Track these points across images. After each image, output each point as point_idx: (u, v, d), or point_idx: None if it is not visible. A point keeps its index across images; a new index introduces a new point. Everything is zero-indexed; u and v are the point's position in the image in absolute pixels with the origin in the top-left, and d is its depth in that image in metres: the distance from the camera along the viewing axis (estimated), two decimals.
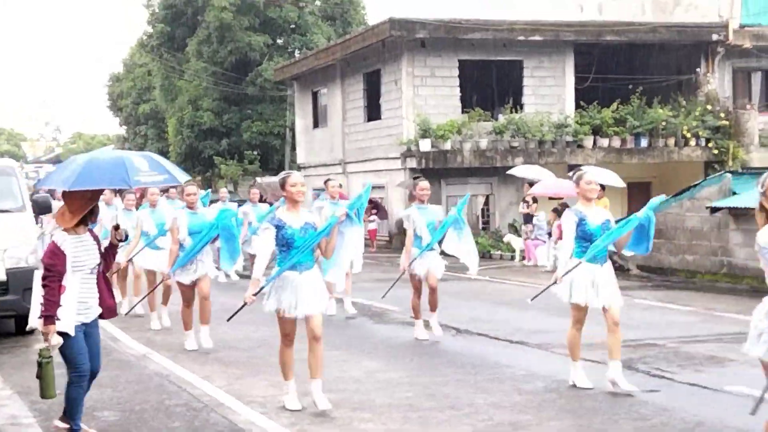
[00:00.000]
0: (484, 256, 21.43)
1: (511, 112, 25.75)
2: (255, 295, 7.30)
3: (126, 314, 12.77)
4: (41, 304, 6.34)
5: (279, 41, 42.06)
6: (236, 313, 7.74)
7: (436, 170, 24.91)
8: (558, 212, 20.14)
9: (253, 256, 15.77)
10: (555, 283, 8.14)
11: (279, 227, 7.27)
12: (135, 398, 8.09)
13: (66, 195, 6.54)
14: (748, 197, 15.69)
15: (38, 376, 6.46)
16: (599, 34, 26.65)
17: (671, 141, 26.63)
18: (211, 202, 15.97)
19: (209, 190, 16.83)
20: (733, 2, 28.12)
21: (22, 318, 11.54)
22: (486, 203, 26.55)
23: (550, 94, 26.55)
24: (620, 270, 18.91)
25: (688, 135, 26.62)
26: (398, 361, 9.80)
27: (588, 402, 7.75)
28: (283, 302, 7.30)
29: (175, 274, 10.32)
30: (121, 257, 11.28)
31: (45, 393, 6.51)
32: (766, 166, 22.05)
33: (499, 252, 22.94)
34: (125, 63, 56.59)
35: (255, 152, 41.05)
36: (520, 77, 26.58)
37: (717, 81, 27.95)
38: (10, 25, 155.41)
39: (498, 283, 17.64)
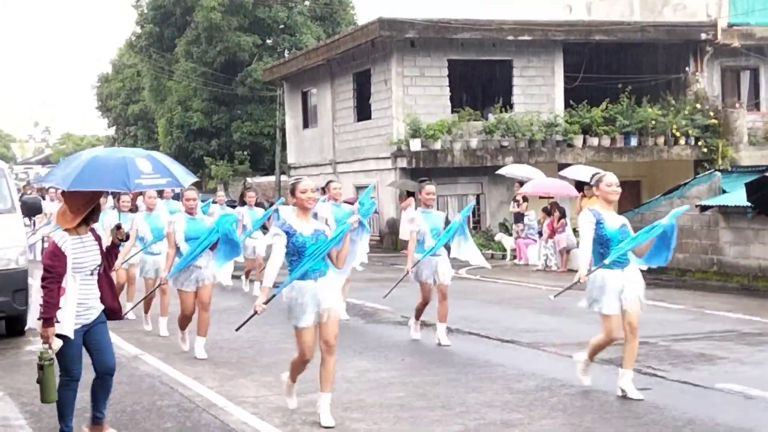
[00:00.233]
0: None
1: (501, 112, 25.80)
2: (266, 303, 6.96)
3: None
4: (40, 305, 6.21)
5: (268, 41, 42.03)
6: (246, 322, 7.43)
7: (427, 170, 24.91)
8: (548, 211, 20.22)
9: (249, 260, 15.58)
10: (578, 282, 7.71)
11: (289, 234, 6.94)
12: (126, 399, 8.07)
13: (66, 194, 6.42)
14: (737, 195, 15.75)
15: (38, 381, 6.29)
16: (588, 33, 26.73)
17: (661, 140, 26.72)
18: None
19: (211, 200, 16.35)
20: (722, 2, 28.23)
21: (13, 319, 11.53)
22: (477, 203, 26.58)
23: (539, 93, 26.62)
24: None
25: (678, 134, 26.72)
26: (389, 360, 9.79)
27: (579, 400, 7.77)
28: (297, 314, 6.99)
29: (173, 281, 10.01)
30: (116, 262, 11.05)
31: (45, 397, 6.34)
32: (756, 164, 22.14)
33: (490, 251, 22.98)
34: (114, 64, 56.48)
35: (245, 152, 41.01)
36: (510, 77, 26.63)
37: (706, 80, 28.07)
38: (2, 25, 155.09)
39: (489, 282, 17.66)
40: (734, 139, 27.17)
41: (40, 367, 6.23)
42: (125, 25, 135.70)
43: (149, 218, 11.93)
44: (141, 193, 12.98)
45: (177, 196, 16.68)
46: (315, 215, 11.18)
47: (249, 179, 37.97)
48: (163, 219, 11.60)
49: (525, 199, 21.50)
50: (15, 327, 11.69)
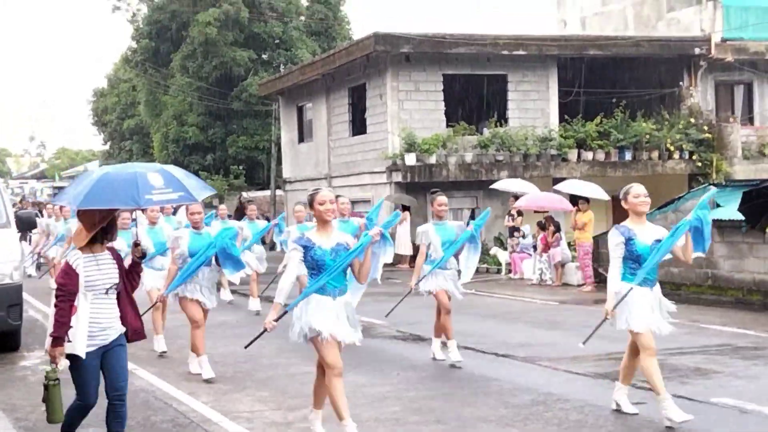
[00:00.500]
0: None
1: (496, 126, 25.84)
2: (276, 320, 6.65)
3: None
4: (52, 324, 6.09)
5: (264, 56, 42.08)
6: (255, 339, 7.15)
7: (422, 184, 24.95)
8: (542, 226, 20.24)
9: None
10: (606, 319, 7.44)
11: (307, 248, 6.62)
12: None
13: (80, 213, 6.29)
14: (732, 210, 15.78)
15: (44, 400, 6.19)
16: (582, 48, 26.82)
17: (655, 154, 26.78)
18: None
19: (213, 211, 16.22)
20: (715, 16, 28.36)
21: (7, 335, 11.50)
22: (472, 217, 26.57)
23: (534, 108, 26.69)
24: (606, 282, 18.99)
25: (672, 148, 26.78)
26: (385, 375, 9.78)
27: (574, 414, 7.76)
28: (323, 325, 6.61)
29: (172, 297, 9.70)
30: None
31: (51, 417, 6.21)
32: (750, 178, 22.19)
33: (485, 265, 22.98)
34: (109, 78, 56.53)
35: (240, 167, 41.01)
36: (505, 91, 26.70)
37: (700, 94, 28.17)
38: None
39: (485, 296, 17.66)
40: (728, 154, 27.25)
41: (45, 387, 6.13)
42: (121, 39, 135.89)
43: (152, 232, 11.58)
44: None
45: (176, 212, 16.65)
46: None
47: (244, 194, 37.96)
48: (166, 233, 11.37)
49: (520, 213, 21.53)
50: (9, 343, 11.67)
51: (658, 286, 7.48)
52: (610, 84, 28.01)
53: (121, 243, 9.50)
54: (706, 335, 12.12)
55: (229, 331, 13.07)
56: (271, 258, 17.10)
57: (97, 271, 6.17)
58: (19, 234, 13.00)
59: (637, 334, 7.37)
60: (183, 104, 41.54)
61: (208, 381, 9.48)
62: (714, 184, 18.23)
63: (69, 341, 6.06)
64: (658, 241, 7.38)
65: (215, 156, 41.21)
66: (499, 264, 22.51)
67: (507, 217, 22.33)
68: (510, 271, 21.82)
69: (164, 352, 11.26)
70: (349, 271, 6.83)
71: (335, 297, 6.68)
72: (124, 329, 6.34)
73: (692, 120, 27.25)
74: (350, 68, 27.43)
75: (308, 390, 8.88)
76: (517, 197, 21.21)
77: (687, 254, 7.42)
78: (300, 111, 32.93)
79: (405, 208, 23.96)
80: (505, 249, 22.70)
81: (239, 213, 27.29)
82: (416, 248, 11.28)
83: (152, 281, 11.36)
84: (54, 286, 20.50)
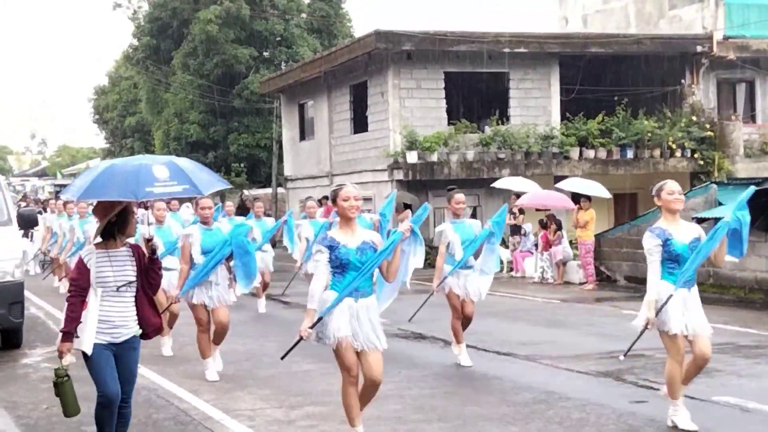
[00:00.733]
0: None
1: (498, 124, 25.82)
2: (312, 327, 6.32)
3: None
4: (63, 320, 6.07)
5: (265, 54, 42.08)
6: (291, 349, 6.78)
7: (423, 182, 24.94)
8: (544, 224, 20.23)
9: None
10: (647, 327, 7.09)
11: (332, 248, 6.33)
12: None
13: (94, 207, 6.22)
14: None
15: (57, 395, 6.14)
16: (584, 46, 26.79)
17: (657, 152, 26.75)
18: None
19: (220, 204, 15.99)
20: (717, 14, 28.34)
21: (9, 332, 11.51)
22: (473, 215, 26.56)
23: (535, 105, 26.66)
24: (607, 281, 19.01)
25: (674, 146, 26.75)
26: (386, 373, 9.72)
27: (576, 413, 7.76)
28: (342, 330, 6.31)
29: (184, 298, 9.36)
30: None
31: (66, 411, 6.14)
32: (752, 176, 22.18)
33: None
34: (110, 76, 56.54)
35: (242, 165, 41.01)
36: (506, 89, 26.67)
37: (702, 92, 28.12)
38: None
39: (486, 294, 17.60)
40: (730, 152, 27.21)
41: (55, 384, 6.07)
42: (122, 37, 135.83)
43: (160, 231, 10.96)
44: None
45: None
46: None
47: (246, 191, 37.96)
48: (174, 232, 11.04)
49: (521, 211, 21.52)
50: (11, 340, 11.68)
51: (695, 288, 7.18)
52: (612, 82, 27.97)
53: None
54: None
55: (230, 330, 13.05)
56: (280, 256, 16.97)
57: (109, 268, 6.05)
58: (22, 231, 13.00)
59: (669, 337, 7.10)
60: (184, 102, 41.53)
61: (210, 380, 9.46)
62: (716, 183, 18.22)
63: (77, 337, 6.02)
64: (696, 239, 7.09)
65: (216, 154, 41.22)
66: (501, 262, 22.49)
67: (508, 215, 22.30)
68: (512, 270, 21.81)
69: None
70: (376, 272, 6.56)
71: (357, 299, 6.37)
72: (140, 331, 6.21)
73: (694, 118, 27.21)
74: (351, 66, 27.42)
75: (310, 387, 8.92)
76: (518, 196, 21.20)
77: (719, 258, 7.17)
78: (301, 109, 32.92)
79: (406, 207, 23.91)
80: (507, 247, 22.69)
81: (240, 210, 27.24)
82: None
83: (164, 282, 10.98)
84: (56, 284, 20.56)
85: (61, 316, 6.14)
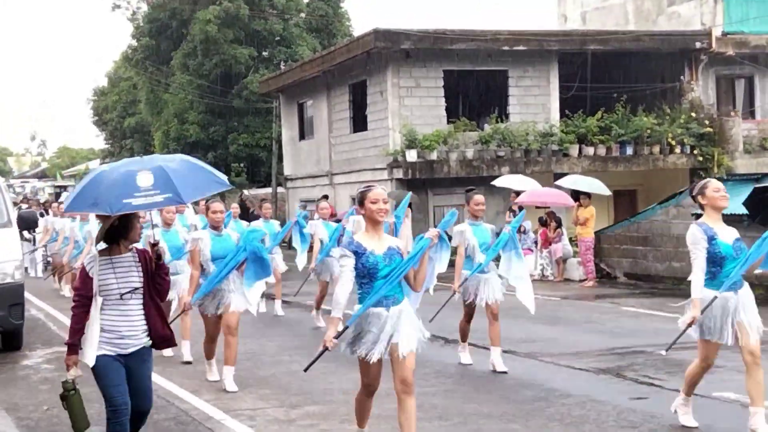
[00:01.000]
0: None
1: (497, 122, 25.82)
2: (337, 337, 5.95)
3: None
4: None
5: (264, 53, 42.09)
6: (315, 360, 6.33)
7: (423, 181, 24.95)
8: (543, 222, 20.23)
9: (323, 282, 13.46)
10: (691, 324, 6.79)
11: (358, 254, 5.95)
12: None
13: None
14: (733, 204, 15.74)
15: (65, 408, 5.90)
16: (583, 43, 26.79)
17: (656, 149, 26.75)
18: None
19: (230, 211, 15.65)
20: (716, 10, 28.34)
21: (9, 334, 11.51)
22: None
23: (535, 103, 26.66)
24: (607, 278, 19.01)
25: (673, 142, 26.75)
26: (386, 371, 9.75)
27: (576, 410, 7.76)
28: (365, 344, 6.02)
29: (197, 306, 8.94)
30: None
31: (75, 426, 5.89)
32: (751, 172, 22.17)
33: None
34: (110, 77, 56.54)
35: (241, 165, 41.03)
36: (506, 87, 26.67)
37: (701, 88, 28.12)
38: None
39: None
40: (730, 148, 27.22)
41: (62, 397, 5.85)
42: (121, 38, 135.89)
43: (167, 235, 10.57)
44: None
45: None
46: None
47: (245, 191, 37.97)
48: (182, 236, 10.69)
49: (521, 208, 21.48)
50: (11, 341, 11.68)
51: (745, 289, 6.90)
52: (611, 79, 27.97)
53: None
54: None
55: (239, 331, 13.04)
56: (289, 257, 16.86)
57: (112, 275, 5.80)
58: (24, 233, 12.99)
59: (705, 343, 6.89)
60: (184, 102, 41.55)
61: (211, 381, 9.46)
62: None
63: (81, 348, 5.81)
64: (738, 239, 6.88)
65: (216, 154, 41.23)
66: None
67: (508, 213, 22.27)
68: None
69: (188, 362, 10.47)
70: (422, 286, 6.31)
71: (389, 308, 6.02)
72: (149, 342, 5.95)
73: (693, 114, 27.21)
74: (351, 65, 27.42)
75: (310, 387, 8.91)
76: (518, 193, 21.19)
77: (754, 266, 6.98)
78: (300, 108, 32.92)
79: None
80: None
81: (241, 211, 27.25)
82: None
83: (175, 289, 10.31)
84: (56, 286, 20.45)
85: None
